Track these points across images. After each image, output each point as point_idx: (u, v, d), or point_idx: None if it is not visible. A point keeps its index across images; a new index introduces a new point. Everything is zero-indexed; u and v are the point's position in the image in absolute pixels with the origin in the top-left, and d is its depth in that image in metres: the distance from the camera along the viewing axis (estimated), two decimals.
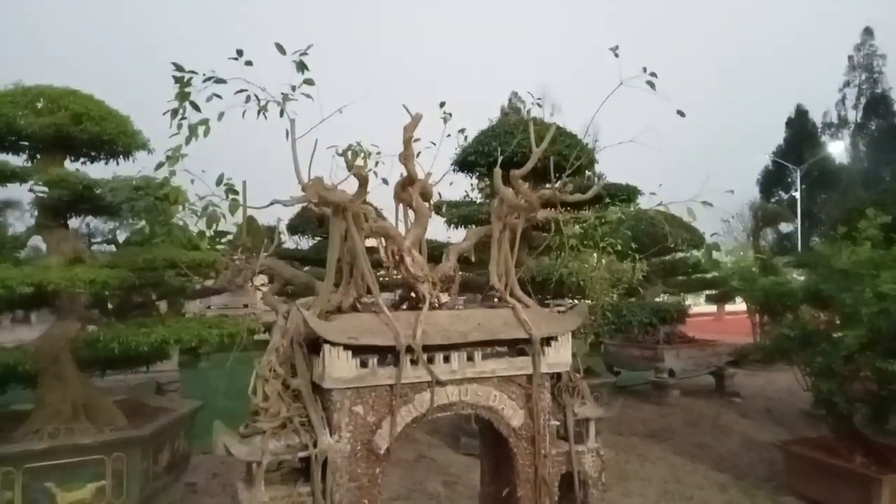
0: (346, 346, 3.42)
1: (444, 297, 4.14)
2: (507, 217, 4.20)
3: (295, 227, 16.08)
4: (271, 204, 3.35)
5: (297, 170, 3.41)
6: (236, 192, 3.34)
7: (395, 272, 3.90)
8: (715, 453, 7.97)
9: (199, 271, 6.54)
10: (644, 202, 9.65)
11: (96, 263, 5.50)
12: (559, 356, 3.98)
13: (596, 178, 9.94)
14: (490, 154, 8.18)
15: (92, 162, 6.23)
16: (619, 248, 7.81)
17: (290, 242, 17.19)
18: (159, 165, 3.49)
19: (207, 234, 3.38)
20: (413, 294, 4.05)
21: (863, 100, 42.93)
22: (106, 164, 6.30)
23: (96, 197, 5.39)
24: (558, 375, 4.12)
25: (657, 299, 12.13)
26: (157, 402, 6.52)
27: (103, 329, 5.20)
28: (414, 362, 3.58)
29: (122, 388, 9.44)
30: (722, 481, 6.81)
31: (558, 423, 4.10)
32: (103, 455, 4.90)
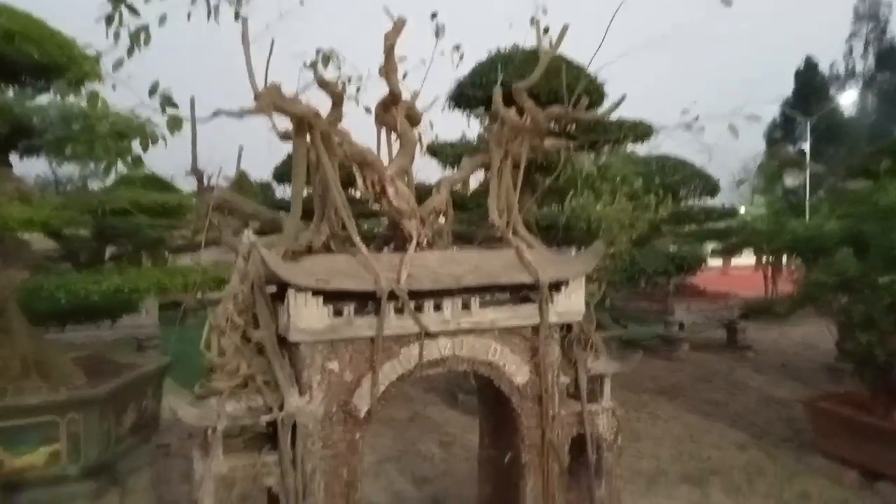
0: (316, 292, 2.90)
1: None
2: (509, 143, 3.62)
3: (282, 176, 15.42)
4: (215, 115, 2.77)
5: (250, 77, 2.82)
6: (174, 105, 2.76)
7: (376, 205, 3.36)
8: (730, 411, 7.59)
9: (167, 217, 6.00)
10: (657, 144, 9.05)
11: (44, 205, 4.94)
12: (570, 304, 3.47)
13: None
14: (489, 87, 7.51)
15: (38, 93, 5.59)
16: (633, 188, 7.26)
17: (279, 192, 16.58)
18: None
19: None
20: (397, 233, 3.52)
21: (871, 50, 41.55)
22: (55, 95, 5.68)
23: (38, 130, 4.79)
24: (568, 326, 3.63)
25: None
26: (125, 358, 6.06)
27: (48, 277, 4.68)
28: (399, 311, 3.07)
29: (98, 345, 9.07)
30: (740, 440, 6.43)
31: (568, 380, 3.63)
32: (56, 416, 4.46)
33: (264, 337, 3.04)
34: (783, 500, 4.93)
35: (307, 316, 2.90)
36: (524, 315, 3.37)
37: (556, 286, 3.43)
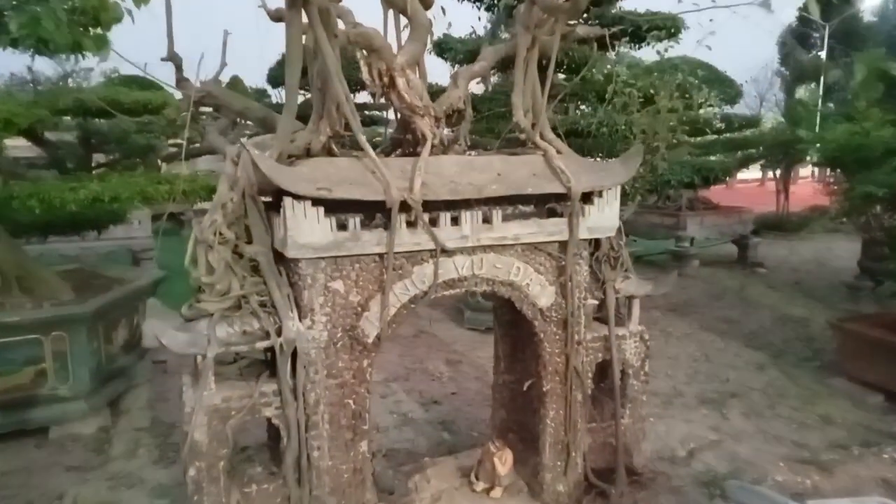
0: (317, 202, 2.51)
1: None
2: (539, 28, 3.11)
3: (277, 80, 14.63)
4: None
5: None
6: None
7: (384, 100, 2.90)
8: (746, 329, 7.39)
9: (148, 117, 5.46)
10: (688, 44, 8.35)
11: (9, 101, 4.45)
12: (603, 218, 3.10)
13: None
14: None
15: None
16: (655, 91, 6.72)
17: (274, 97, 15.84)
18: None
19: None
20: (409, 135, 3.08)
21: None
22: None
23: None
24: (596, 243, 3.27)
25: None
26: (116, 272, 5.74)
27: (20, 184, 4.27)
28: (411, 224, 2.70)
29: (91, 258, 8.76)
30: (758, 360, 6.25)
31: (595, 302, 3.31)
32: (39, 335, 4.19)
33: (258, 252, 2.68)
34: (805, 423, 4.76)
35: (307, 229, 2.52)
36: (551, 230, 3.00)
37: (587, 197, 3.04)
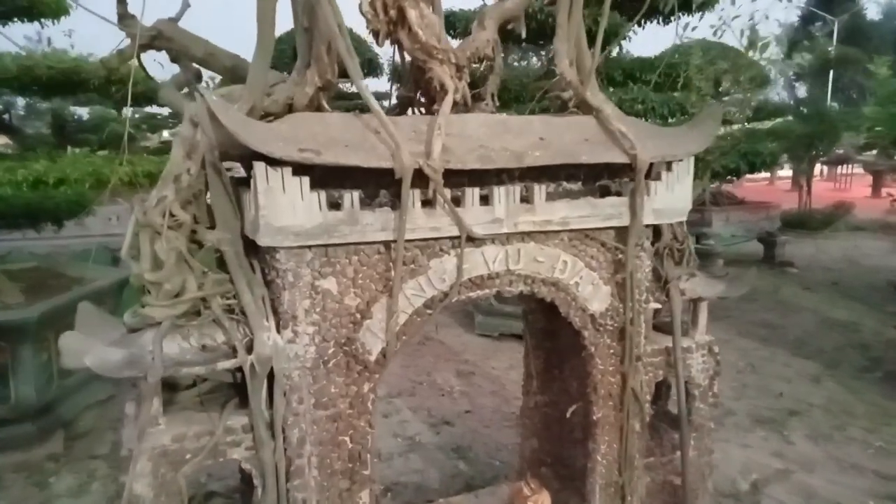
0: (300, 170, 1.86)
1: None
2: None
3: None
4: None
5: None
6: None
7: (390, 41, 2.25)
8: (789, 335, 6.74)
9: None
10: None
11: None
12: (672, 198, 2.45)
13: None
14: None
15: None
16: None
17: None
18: None
19: None
20: (421, 92, 2.44)
21: None
22: None
23: None
24: (656, 232, 2.61)
25: None
26: (78, 271, 5.09)
27: None
28: (427, 203, 2.05)
29: (64, 256, 8.10)
30: (811, 371, 5.60)
31: (659, 306, 2.66)
32: None
33: (223, 241, 2.04)
34: (884, 449, 4.10)
35: (287, 208, 1.87)
36: (608, 212, 2.35)
37: (651, 172, 2.40)
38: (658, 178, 2.40)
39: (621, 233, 2.42)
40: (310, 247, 1.97)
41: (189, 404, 2.12)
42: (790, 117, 13.17)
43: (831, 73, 20.27)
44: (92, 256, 9.50)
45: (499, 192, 2.15)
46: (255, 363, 1.95)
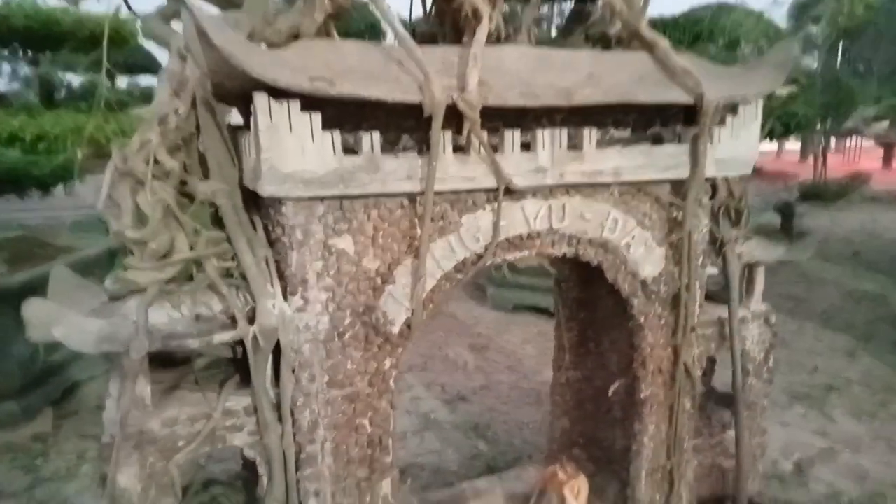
0: (310, 103, 1.55)
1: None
2: None
3: None
4: None
5: None
6: None
7: None
8: (816, 308, 6.47)
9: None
10: None
11: None
12: (737, 146, 2.14)
13: None
14: None
15: None
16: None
17: None
18: None
19: None
20: (449, 19, 2.10)
21: None
22: None
23: None
24: (712, 188, 2.30)
25: None
26: (67, 240, 4.81)
27: None
28: (460, 149, 1.74)
29: (57, 227, 7.80)
30: (844, 345, 5.34)
31: (717, 271, 2.37)
32: None
33: (217, 192, 1.73)
34: None
35: (294, 150, 1.56)
36: (664, 162, 2.04)
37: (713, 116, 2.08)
38: (722, 122, 2.09)
39: (677, 187, 2.11)
40: (322, 198, 1.66)
41: (182, 383, 1.83)
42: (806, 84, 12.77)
43: (841, 44, 19.76)
44: (83, 227, 9.22)
45: (543, 137, 1.83)
46: (258, 335, 1.66)
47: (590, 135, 1.89)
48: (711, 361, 2.73)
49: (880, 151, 21.39)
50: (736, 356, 2.43)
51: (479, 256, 1.88)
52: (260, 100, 1.52)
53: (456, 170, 1.75)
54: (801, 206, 11.53)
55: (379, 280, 1.79)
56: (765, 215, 11.51)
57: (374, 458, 1.90)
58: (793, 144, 23.41)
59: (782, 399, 4.25)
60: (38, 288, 3.59)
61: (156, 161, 1.71)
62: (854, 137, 23.03)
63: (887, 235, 10.79)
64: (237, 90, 1.66)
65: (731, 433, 2.61)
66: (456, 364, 4.85)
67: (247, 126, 1.77)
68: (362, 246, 1.75)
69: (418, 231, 1.77)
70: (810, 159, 16.07)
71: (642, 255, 2.13)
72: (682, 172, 2.06)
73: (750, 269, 2.55)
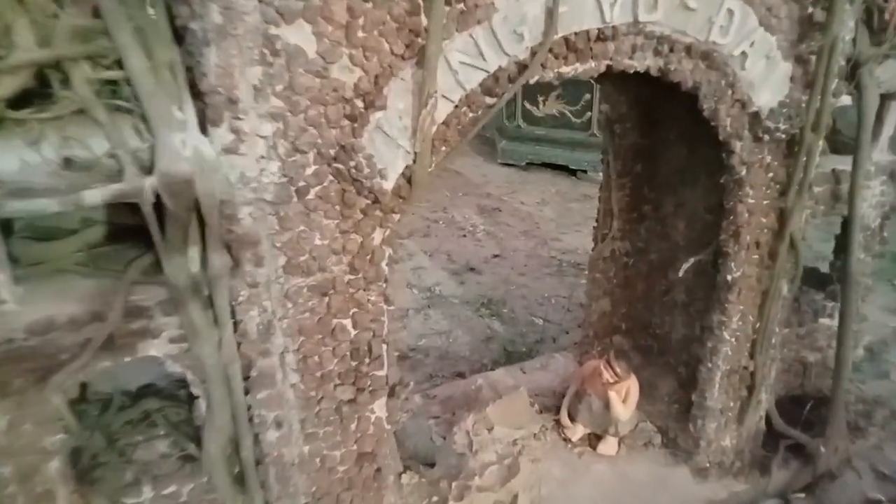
0: None
1: None
2: None
3: None
4: None
5: None
6: None
7: None
8: None
9: None
10: None
11: None
12: None
13: None
14: None
15: None
16: None
17: None
18: None
19: None
20: None
21: None
22: None
23: None
24: None
25: None
26: None
27: None
28: None
29: None
30: None
31: (850, 101, 1.70)
32: None
33: None
34: None
35: None
36: None
37: None
38: None
39: None
40: None
41: (64, 266, 1.22)
42: None
43: None
44: None
45: None
46: (160, 191, 1.01)
47: None
48: None
49: None
50: (855, 221, 1.81)
51: (523, 66, 1.19)
52: None
53: None
54: None
55: (360, 103, 1.11)
56: None
57: (360, 373, 1.33)
58: None
59: None
60: None
61: None
62: None
63: None
64: None
65: (823, 321, 2.06)
66: (464, 229, 4.26)
67: None
68: (330, 42, 1.06)
69: (423, 18, 1.07)
70: None
71: (761, 72, 1.43)
72: None
73: (882, 101, 1.86)
